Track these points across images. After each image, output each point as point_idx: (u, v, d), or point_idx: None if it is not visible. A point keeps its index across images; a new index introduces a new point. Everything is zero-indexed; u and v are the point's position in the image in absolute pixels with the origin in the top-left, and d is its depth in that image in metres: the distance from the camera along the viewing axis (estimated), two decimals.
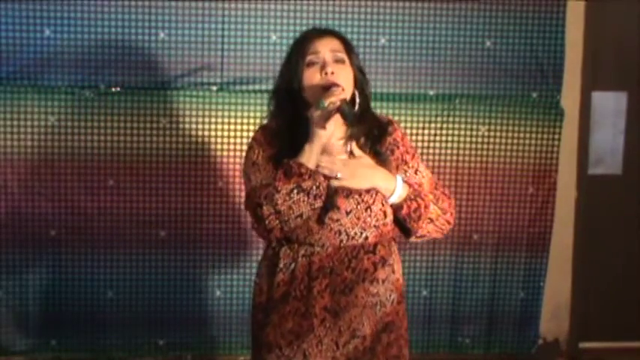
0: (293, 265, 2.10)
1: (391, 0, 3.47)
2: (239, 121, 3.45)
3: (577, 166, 3.76)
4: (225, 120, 3.45)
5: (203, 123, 3.45)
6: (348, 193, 2.06)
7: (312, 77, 2.06)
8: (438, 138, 3.58)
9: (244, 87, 3.44)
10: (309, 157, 2.00)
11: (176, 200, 3.48)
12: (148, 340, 3.57)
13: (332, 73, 2.04)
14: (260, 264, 2.24)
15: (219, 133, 3.46)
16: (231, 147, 3.47)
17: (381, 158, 2.11)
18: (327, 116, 1.97)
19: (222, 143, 3.46)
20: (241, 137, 3.45)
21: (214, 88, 3.44)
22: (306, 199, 1.98)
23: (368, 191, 2.07)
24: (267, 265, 2.18)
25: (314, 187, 1.98)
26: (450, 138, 3.59)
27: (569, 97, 3.66)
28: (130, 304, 3.52)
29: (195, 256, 3.53)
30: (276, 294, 2.11)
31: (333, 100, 1.96)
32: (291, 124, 2.08)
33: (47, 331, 3.51)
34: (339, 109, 1.96)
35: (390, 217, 2.11)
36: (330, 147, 2.09)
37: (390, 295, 2.14)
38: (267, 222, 2.00)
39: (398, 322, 2.16)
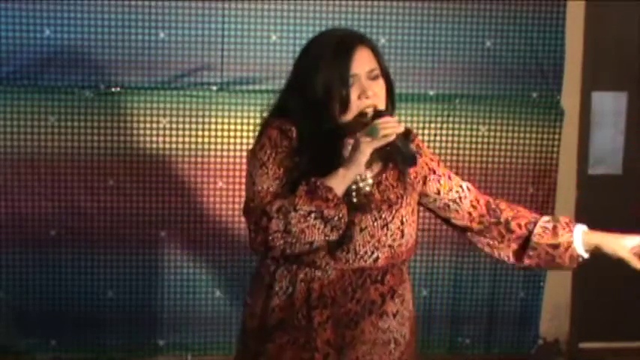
0: (290, 290, 1.91)
1: (391, 0, 3.47)
2: (239, 121, 3.45)
3: (577, 166, 3.77)
4: (225, 120, 3.45)
5: (203, 123, 3.44)
6: (368, 209, 1.88)
7: (352, 101, 1.86)
8: (438, 138, 3.58)
9: (244, 87, 3.44)
10: (340, 184, 1.80)
11: (176, 200, 3.48)
12: (148, 340, 3.57)
13: (373, 95, 1.86)
14: (252, 281, 2.06)
15: (219, 133, 3.46)
16: (231, 147, 3.47)
17: (402, 178, 1.95)
18: (374, 146, 1.78)
19: (222, 143, 3.46)
20: (241, 137, 3.45)
21: (214, 88, 3.44)
22: (322, 227, 1.78)
23: (389, 207, 1.90)
24: (260, 285, 1.98)
25: (335, 218, 1.78)
26: (450, 138, 3.59)
27: (569, 97, 3.66)
28: (130, 304, 3.52)
29: (195, 256, 3.53)
30: (271, 320, 1.92)
31: (389, 132, 1.77)
32: (315, 137, 1.87)
33: (47, 331, 3.50)
34: (393, 145, 1.78)
35: (406, 239, 1.93)
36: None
37: (403, 332, 1.96)
38: (270, 238, 1.78)
39: None
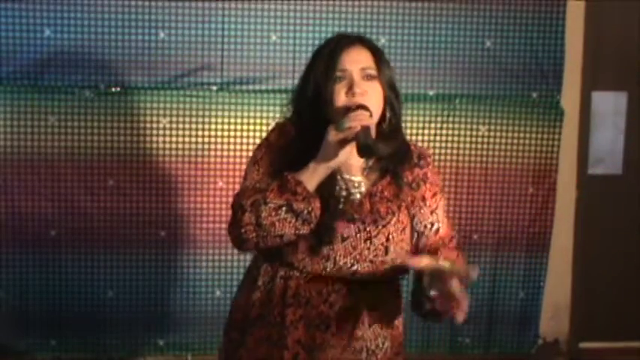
0: (270, 285, 1.94)
1: (391, 0, 3.47)
2: (239, 121, 3.45)
3: (577, 166, 3.76)
4: (225, 120, 3.45)
5: (203, 123, 3.44)
6: (352, 218, 1.86)
7: (338, 95, 1.85)
8: (438, 138, 3.58)
9: (244, 87, 3.44)
10: (311, 178, 1.80)
11: (176, 200, 3.48)
12: (148, 340, 3.57)
13: (360, 93, 1.84)
14: (244, 276, 2.12)
15: (219, 133, 3.46)
16: (232, 147, 3.47)
17: (397, 183, 1.92)
18: (343, 140, 1.77)
19: (222, 143, 3.46)
20: (241, 137, 3.45)
21: (214, 88, 3.44)
22: (293, 220, 1.78)
23: (375, 221, 1.87)
24: (248, 279, 2.04)
25: (305, 212, 1.78)
26: (450, 138, 3.59)
27: (569, 97, 3.66)
28: (130, 304, 3.52)
29: (195, 256, 3.53)
30: (252, 313, 1.96)
31: (354, 124, 1.75)
32: (306, 135, 1.88)
33: (47, 331, 3.50)
34: (355, 137, 1.75)
35: (391, 257, 1.89)
36: (348, 167, 1.90)
37: (382, 343, 1.93)
38: (243, 230, 1.82)
39: None
